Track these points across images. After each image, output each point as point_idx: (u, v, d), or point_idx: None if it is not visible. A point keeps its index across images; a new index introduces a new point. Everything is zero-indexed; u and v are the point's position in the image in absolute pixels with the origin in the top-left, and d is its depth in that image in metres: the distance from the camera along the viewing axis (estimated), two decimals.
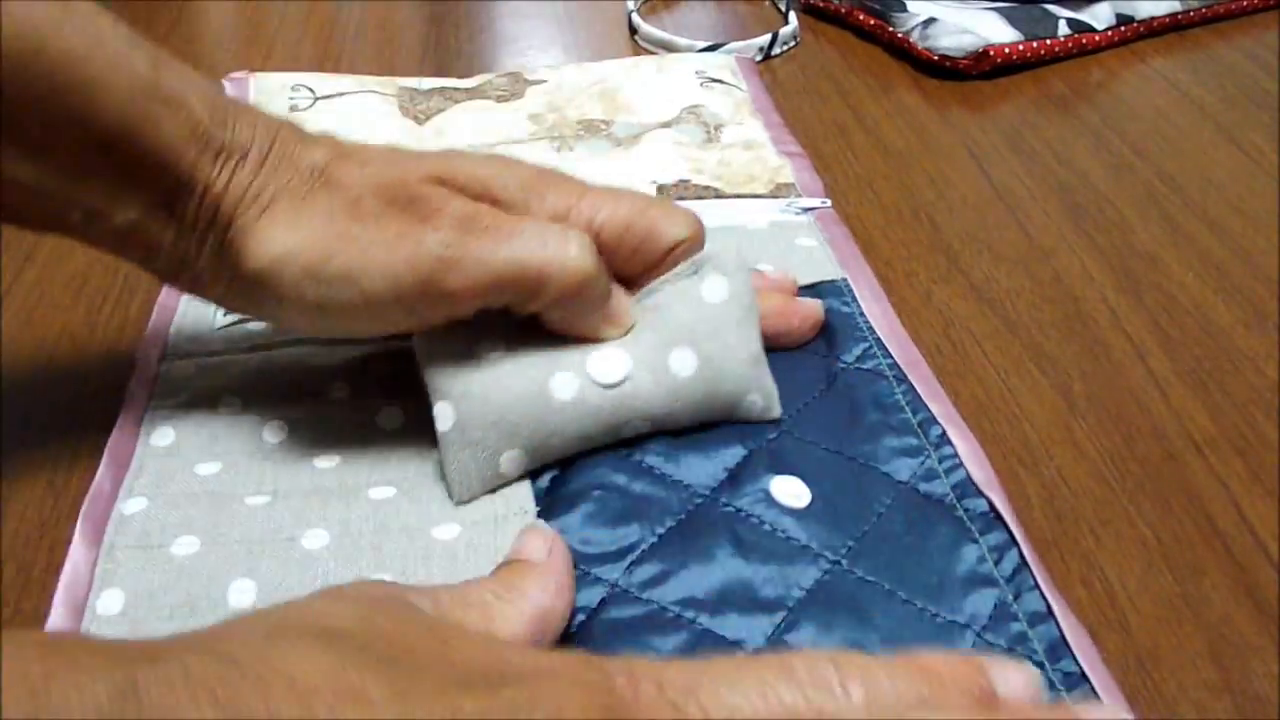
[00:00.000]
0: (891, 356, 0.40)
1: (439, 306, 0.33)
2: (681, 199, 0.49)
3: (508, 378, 0.34)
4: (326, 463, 0.36)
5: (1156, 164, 0.54)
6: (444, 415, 0.34)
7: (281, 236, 0.32)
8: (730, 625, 0.31)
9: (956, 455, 0.36)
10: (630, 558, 0.33)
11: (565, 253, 0.33)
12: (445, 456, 0.34)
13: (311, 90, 0.57)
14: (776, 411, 0.37)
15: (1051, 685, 0.30)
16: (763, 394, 0.36)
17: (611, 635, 0.31)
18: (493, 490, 0.35)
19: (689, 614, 0.31)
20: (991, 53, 0.60)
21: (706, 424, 0.37)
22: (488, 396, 0.34)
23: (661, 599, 0.32)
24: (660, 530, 0.34)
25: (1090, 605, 0.33)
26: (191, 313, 0.43)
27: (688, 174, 0.50)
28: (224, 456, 0.37)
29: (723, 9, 0.71)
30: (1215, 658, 0.32)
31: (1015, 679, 0.23)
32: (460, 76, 0.60)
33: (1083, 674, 0.30)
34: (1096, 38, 0.64)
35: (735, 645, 0.30)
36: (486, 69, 0.63)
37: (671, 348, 0.35)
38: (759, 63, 0.63)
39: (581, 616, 0.31)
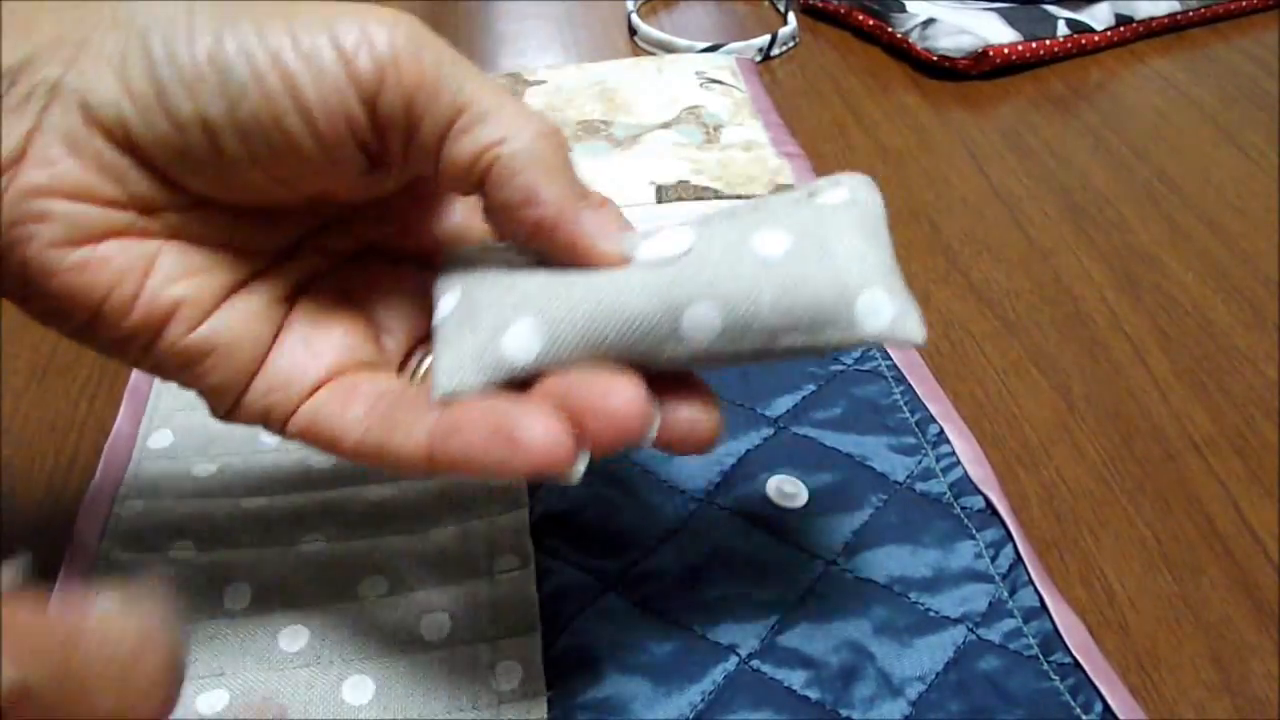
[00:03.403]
0: (891, 357, 0.40)
1: None
2: (680, 199, 0.49)
3: (528, 273, 0.25)
4: (323, 464, 0.36)
5: (1156, 164, 0.54)
6: (445, 304, 0.26)
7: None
8: (724, 631, 0.31)
9: (954, 454, 0.36)
10: (626, 558, 0.33)
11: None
12: (436, 342, 0.25)
13: None
14: (916, 334, 0.23)
15: (1047, 677, 0.30)
16: (893, 297, 0.24)
17: (611, 629, 0.31)
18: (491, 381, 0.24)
19: (684, 620, 0.31)
20: (990, 53, 0.60)
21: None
22: (498, 279, 0.25)
23: (657, 607, 0.32)
24: (658, 534, 0.34)
25: (1089, 605, 0.33)
26: None
27: (687, 175, 0.50)
28: (221, 458, 0.37)
29: (722, 9, 0.71)
30: (1215, 658, 0.31)
31: None
32: None
33: (1076, 664, 0.30)
34: (1095, 38, 0.64)
35: (729, 650, 0.30)
36: (486, 69, 0.63)
37: (758, 228, 0.24)
38: (758, 63, 0.63)
39: (578, 606, 0.31)
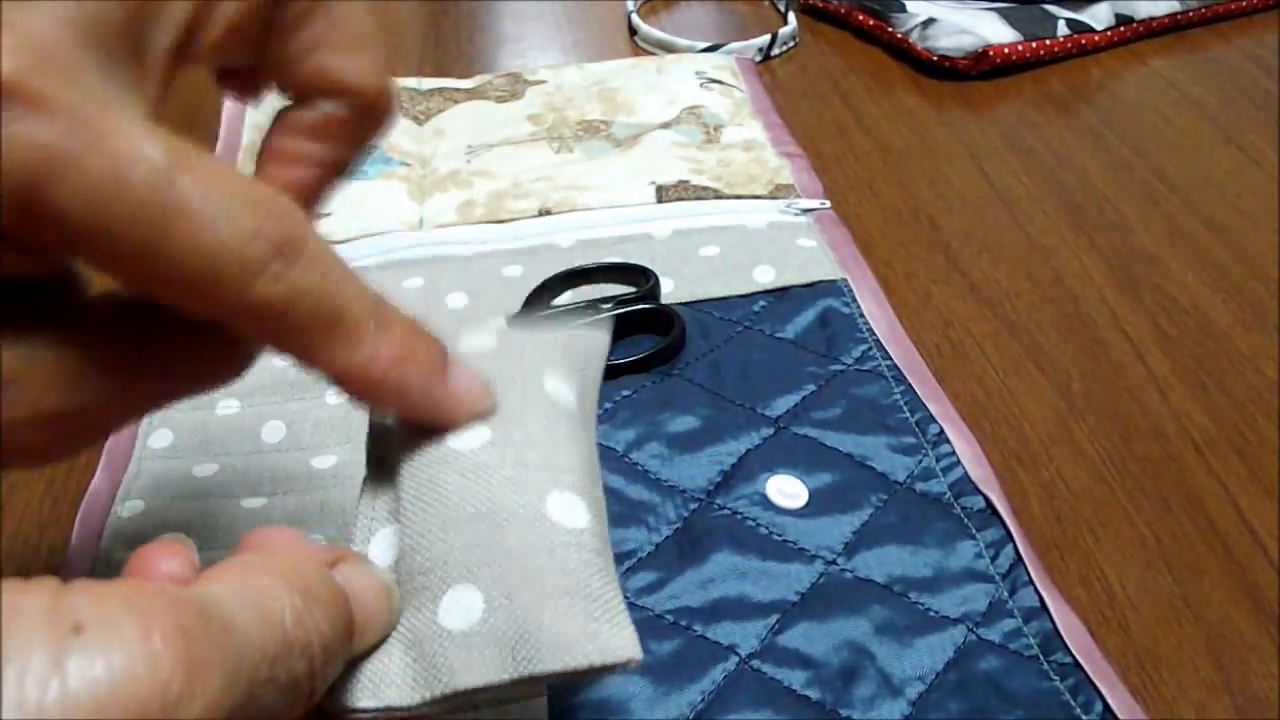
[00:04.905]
0: (891, 357, 0.40)
1: None
2: (681, 199, 0.49)
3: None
4: (324, 463, 0.36)
5: (1156, 164, 0.54)
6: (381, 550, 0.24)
7: None
8: (724, 631, 0.31)
9: (954, 454, 0.36)
10: (627, 564, 0.33)
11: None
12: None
13: None
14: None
15: (1047, 677, 0.30)
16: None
17: None
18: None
19: (683, 621, 0.31)
20: (991, 53, 0.60)
21: (703, 425, 0.37)
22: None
23: (656, 607, 0.32)
24: (657, 539, 0.34)
25: (1090, 605, 0.33)
26: None
27: (687, 175, 0.50)
28: (221, 458, 0.37)
29: (722, 9, 0.71)
30: (1215, 657, 0.31)
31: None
32: (460, 77, 0.60)
33: (1076, 664, 0.30)
34: (1096, 38, 0.64)
35: (729, 650, 0.30)
36: (486, 69, 0.63)
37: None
38: (758, 63, 0.63)
39: None
